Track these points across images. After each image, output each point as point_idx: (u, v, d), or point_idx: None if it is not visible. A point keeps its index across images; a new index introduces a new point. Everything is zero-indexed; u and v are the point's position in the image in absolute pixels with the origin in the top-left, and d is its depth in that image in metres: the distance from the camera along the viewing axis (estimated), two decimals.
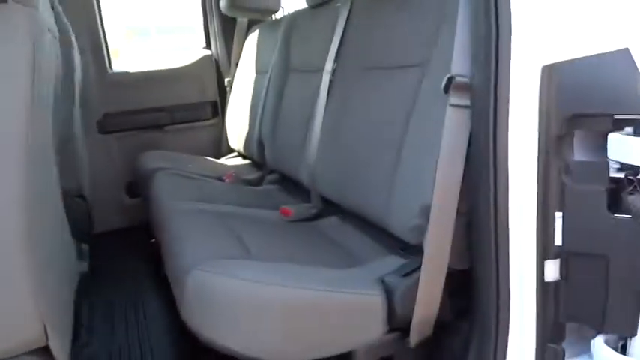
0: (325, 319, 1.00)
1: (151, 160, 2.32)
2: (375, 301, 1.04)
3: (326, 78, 1.63)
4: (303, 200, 1.82)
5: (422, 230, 1.10)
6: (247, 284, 0.97)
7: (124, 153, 2.67)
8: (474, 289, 1.06)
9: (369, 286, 1.06)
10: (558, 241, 0.93)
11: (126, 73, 2.70)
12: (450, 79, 1.01)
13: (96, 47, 2.54)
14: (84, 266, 1.65)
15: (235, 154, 2.77)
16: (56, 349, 0.84)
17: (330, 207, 1.63)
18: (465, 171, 1.02)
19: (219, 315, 0.98)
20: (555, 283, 0.96)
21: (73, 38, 1.89)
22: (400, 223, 1.20)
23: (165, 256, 1.27)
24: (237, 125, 2.60)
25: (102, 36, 2.58)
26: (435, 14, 1.21)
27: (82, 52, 2.34)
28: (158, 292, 1.92)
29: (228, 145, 2.77)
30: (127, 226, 2.65)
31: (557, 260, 0.95)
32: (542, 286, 0.95)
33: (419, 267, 1.08)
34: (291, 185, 1.98)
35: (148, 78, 2.73)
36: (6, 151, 0.79)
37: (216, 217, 1.43)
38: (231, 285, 0.98)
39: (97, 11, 2.54)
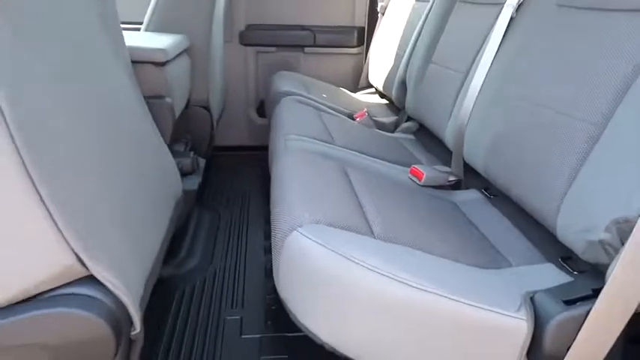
0: (449, 335, 0.77)
1: (285, 81, 2.16)
2: (518, 326, 0.77)
3: (507, 13, 1.26)
4: (441, 161, 1.53)
5: (607, 250, 0.79)
6: (359, 270, 0.76)
7: (261, 69, 2.56)
8: None
9: (513, 303, 0.79)
10: None
11: None
12: None
13: None
14: (194, 182, 1.58)
15: (373, 90, 2.51)
16: (104, 277, 0.72)
17: (472, 177, 1.33)
18: None
19: (310, 294, 0.80)
20: None
21: None
22: (572, 230, 0.87)
23: (272, 200, 1.10)
24: (381, 59, 2.31)
25: None
26: None
27: None
28: (265, 223, 1.83)
29: (367, 78, 2.51)
30: (250, 144, 2.60)
31: None
32: None
33: (590, 296, 0.78)
34: (430, 139, 1.70)
35: None
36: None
37: (338, 165, 1.21)
38: (337, 264, 0.77)
39: None
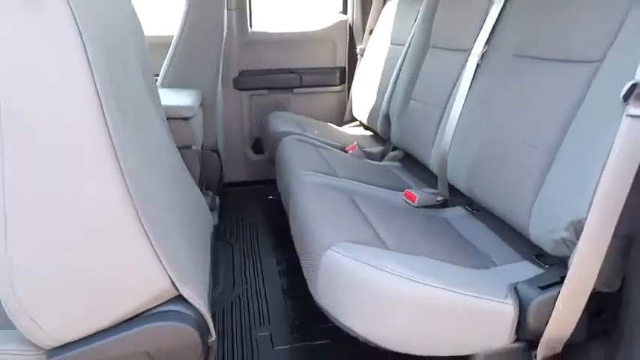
0: (454, 320, 0.99)
1: (280, 121, 2.41)
2: (507, 310, 1.00)
3: (473, 61, 1.54)
4: (427, 183, 1.78)
5: (568, 245, 1.03)
6: (383, 275, 0.98)
7: (254, 110, 2.80)
8: (622, 313, 0.98)
9: (501, 292, 1.02)
10: None
11: (264, 34, 2.79)
12: (633, 87, 0.90)
13: (240, 7, 2.64)
14: (215, 217, 1.79)
15: (357, 123, 2.77)
16: (190, 295, 0.93)
17: (456, 196, 1.58)
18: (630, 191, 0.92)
19: (348, 298, 1.02)
20: None
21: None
22: (541, 232, 1.12)
23: (294, 228, 1.32)
24: (363, 95, 2.59)
25: None
26: (619, 5, 1.07)
27: (229, 10, 2.47)
28: (273, 250, 2.04)
29: (351, 113, 2.78)
30: (249, 179, 2.81)
31: None
32: None
33: (559, 282, 1.02)
34: (415, 165, 1.95)
35: (284, 40, 2.79)
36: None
37: (344, 194, 1.45)
38: (366, 272, 1.00)
39: None
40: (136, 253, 0.85)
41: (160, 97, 1.60)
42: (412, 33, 2.11)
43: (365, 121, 2.56)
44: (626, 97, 0.91)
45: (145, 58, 1.22)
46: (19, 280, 0.81)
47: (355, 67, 2.80)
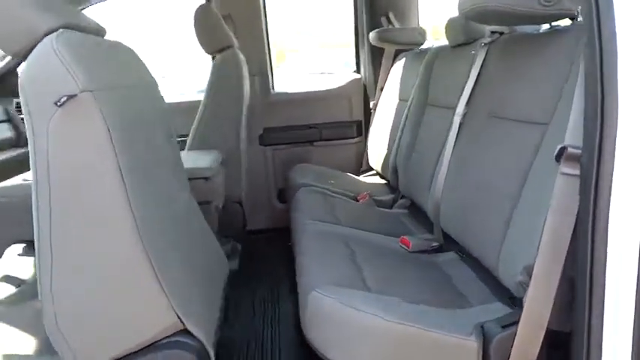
0: (420, 354, 1.13)
1: (300, 173, 2.63)
2: (470, 346, 1.13)
3: (456, 120, 1.71)
4: (428, 230, 1.93)
5: (524, 287, 1.15)
6: (358, 314, 1.14)
7: (278, 163, 3.05)
8: (576, 351, 1.08)
9: (467, 330, 1.15)
10: None
11: (285, 94, 3.08)
12: (562, 150, 1.04)
13: (263, 73, 2.94)
14: (235, 263, 2.00)
15: (374, 172, 2.96)
16: (195, 330, 1.13)
17: (450, 242, 1.71)
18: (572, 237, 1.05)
19: (329, 334, 1.18)
20: None
21: (245, 71, 2.28)
22: (507, 275, 1.25)
23: (296, 269, 1.51)
24: (377, 147, 2.79)
25: (268, 63, 2.98)
26: (560, 72, 1.23)
27: (251, 76, 2.78)
28: (289, 294, 2.21)
29: (368, 163, 2.98)
30: (275, 226, 3.03)
31: None
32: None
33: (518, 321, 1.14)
34: (419, 213, 2.10)
35: (304, 98, 3.06)
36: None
37: (342, 240, 1.63)
38: (343, 311, 1.16)
39: (266, 45, 2.95)
40: (148, 295, 1.07)
41: (185, 159, 1.86)
42: (413, 91, 2.31)
43: (380, 171, 2.75)
44: (558, 158, 1.06)
45: (168, 129, 1.47)
46: (59, 313, 1.06)
47: (370, 120, 3.02)
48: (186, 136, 2.28)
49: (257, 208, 2.99)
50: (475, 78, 1.67)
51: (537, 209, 1.17)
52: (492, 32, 1.68)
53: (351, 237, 1.72)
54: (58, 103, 0.94)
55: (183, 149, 2.24)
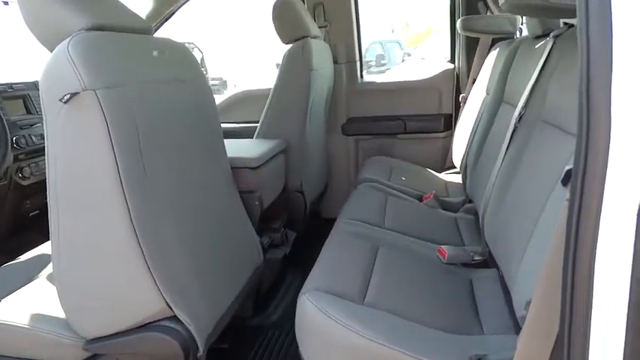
0: None
1: (372, 167, 2.57)
2: None
3: (513, 122, 1.52)
4: (481, 241, 1.75)
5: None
6: (337, 327, 1.09)
7: (360, 153, 3.01)
8: None
9: None
10: None
11: (372, 83, 3.00)
12: (569, 172, 0.87)
13: (350, 61, 2.90)
14: (280, 253, 2.04)
15: (456, 169, 2.76)
16: (186, 318, 1.19)
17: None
18: None
19: (310, 340, 1.16)
20: None
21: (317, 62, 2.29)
22: (518, 307, 1.10)
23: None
24: (460, 143, 2.59)
25: (357, 51, 2.93)
26: None
27: (339, 64, 2.77)
28: None
29: (452, 160, 2.78)
30: None
31: None
32: None
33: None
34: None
35: (391, 89, 2.95)
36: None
37: (371, 244, 1.55)
38: (324, 321, 1.12)
39: (355, 33, 2.90)
40: (136, 280, 1.16)
41: (243, 147, 1.94)
42: (494, 85, 2.09)
43: (459, 169, 2.55)
44: (565, 182, 0.89)
45: (206, 121, 1.54)
46: (66, 289, 1.21)
47: (459, 114, 2.81)
48: (257, 123, 2.36)
49: (337, 197, 3.00)
50: (537, 75, 1.46)
51: (547, 240, 1.00)
52: (564, 24, 1.44)
53: (385, 241, 1.64)
54: (63, 100, 1.05)
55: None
